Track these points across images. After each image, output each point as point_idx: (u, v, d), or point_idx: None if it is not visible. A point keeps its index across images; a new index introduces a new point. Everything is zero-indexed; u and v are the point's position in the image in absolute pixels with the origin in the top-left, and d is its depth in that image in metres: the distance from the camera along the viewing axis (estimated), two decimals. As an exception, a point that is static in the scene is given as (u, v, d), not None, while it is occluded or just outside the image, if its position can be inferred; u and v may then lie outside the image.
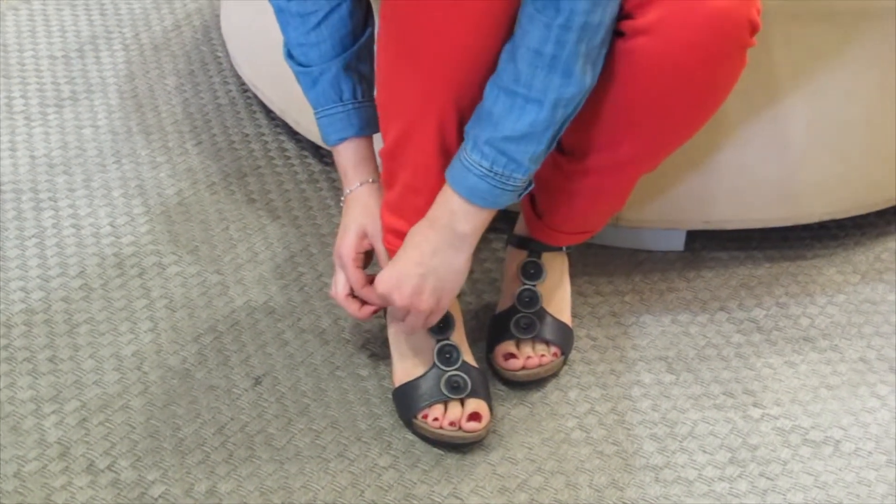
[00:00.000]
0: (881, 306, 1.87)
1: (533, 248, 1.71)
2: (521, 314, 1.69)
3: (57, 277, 1.83)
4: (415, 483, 1.55)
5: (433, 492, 1.54)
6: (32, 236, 1.90)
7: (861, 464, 1.62)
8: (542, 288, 1.71)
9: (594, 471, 1.59)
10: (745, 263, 1.94)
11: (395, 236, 1.57)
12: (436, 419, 1.59)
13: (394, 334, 1.65)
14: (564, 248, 1.73)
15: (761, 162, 1.84)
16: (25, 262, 1.85)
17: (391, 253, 1.59)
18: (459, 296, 1.70)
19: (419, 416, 1.60)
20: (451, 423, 1.58)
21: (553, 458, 1.60)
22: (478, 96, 1.45)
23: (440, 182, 1.49)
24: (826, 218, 1.93)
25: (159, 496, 1.51)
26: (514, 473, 1.58)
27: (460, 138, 1.48)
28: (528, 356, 1.68)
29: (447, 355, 1.62)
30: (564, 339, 1.71)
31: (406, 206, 1.55)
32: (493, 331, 1.72)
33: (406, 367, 1.63)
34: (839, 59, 1.79)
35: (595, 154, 1.55)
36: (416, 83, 1.45)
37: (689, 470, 1.60)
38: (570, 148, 1.56)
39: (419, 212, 1.52)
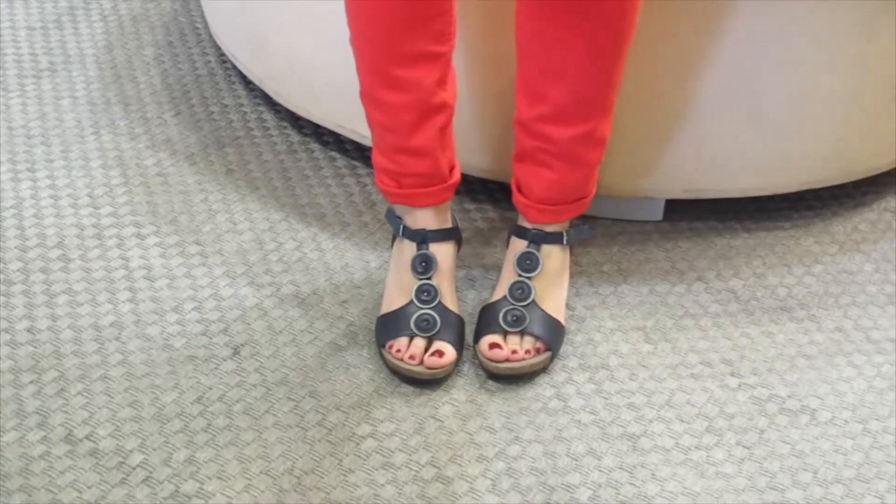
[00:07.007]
0: (858, 276, 1.88)
1: (532, 238, 1.71)
2: (510, 307, 1.68)
3: (35, 248, 1.83)
4: (392, 451, 1.56)
5: (411, 460, 1.55)
6: (10, 207, 1.90)
7: (837, 432, 1.63)
8: (537, 281, 1.70)
9: (571, 439, 1.59)
10: (722, 234, 1.95)
11: (382, 172, 1.70)
12: (398, 351, 1.64)
13: (391, 267, 1.73)
14: (565, 240, 1.72)
15: (740, 132, 1.84)
16: (3, 232, 1.85)
17: (382, 192, 1.72)
18: (460, 244, 1.76)
19: (386, 346, 1.66)
20: (411, 357, 1.63)
21: (531, 427, 1.61)
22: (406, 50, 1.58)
23: (408, 121, 1.62)
24: (804, 188, 1.93)
25: (138, 465, 1.51)
26: (492, 442, 1.58)
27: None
28: (514, 350, 1.66)
29: (424, 294, 1.67)
30: (553, 336, 1.69)
31: (383, 144, 1.67)
32: (481, 321, 1.71)
33: (391, 298, 1.70)
34: (819, 31, 1.79)
35: (543, 104, 1.62)
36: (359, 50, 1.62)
37: (666, 438, 1.60)
38: (520, 105, 1.65)
39: (396, 149, 1.66)
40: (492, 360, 1.65)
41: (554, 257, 1.72)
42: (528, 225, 1.72)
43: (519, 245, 1.72)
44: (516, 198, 1.71)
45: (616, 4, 1.53)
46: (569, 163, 1.65)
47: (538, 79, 1.61)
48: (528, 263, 1.70)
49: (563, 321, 1.71)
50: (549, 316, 1.69)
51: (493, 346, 1.66)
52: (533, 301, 1.68)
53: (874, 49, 1.84)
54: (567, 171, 1.66)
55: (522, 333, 1.67)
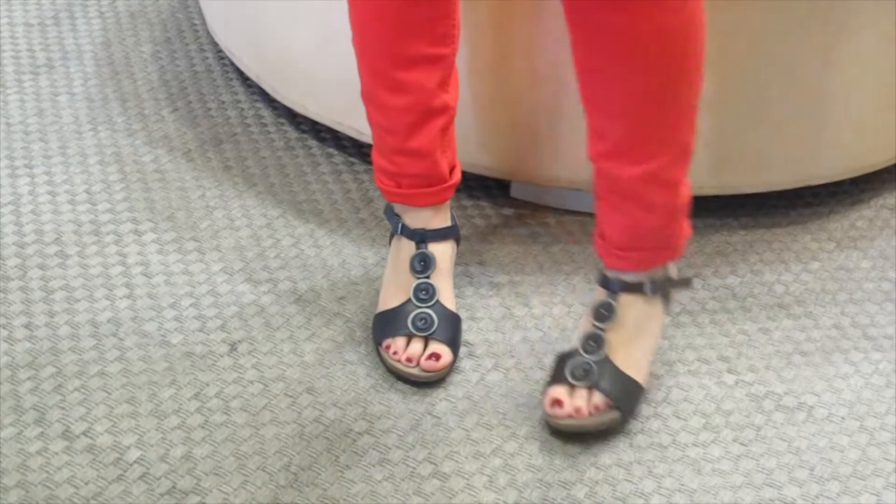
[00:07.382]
0: (855, 273, 1.88)
1: (610, 286, 1.61)
2: (579, 358, 1.58)
3: (32, 244, 1.83)
4: (389, 448, 1.56)
5: (408, 457, 1.55)
6: (8, 203, 1.90)
7: (834, 429, 1.63)
8: (612, 334, 1.59)
9: (569, 436, 1.59)
10: (720, 231, 1.95)
11: (381, 172, 1.69)
12: (395, 352, 1.63)
13: (389, 265, 1.72)
14: (648, 289, 1.61)
15: (738, 129, 1.84)
16: (0, 229, 1.85)
17: (382, 192, 1.70)
18: (458, 242, 1.75)
19: (382, 346, 1.65)
20: (409, 359, 1.63)
21: (527, 424, 1.61)
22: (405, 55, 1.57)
23: (408, 123, 1.61)
24: (801, 185, 1.93)
25: (135, 461, 1.51)
26: (489, 439, 1.58)
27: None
28: (578, 406, 1.56)
29: (423, 293, 1.66)
30: (624, 394, 1.58)
31: (382, 144, 1.66)
32: (553, 369, 1.61)
33: (388, 296, 1.69)
34: (817, 27, 1.79)
35: (602, 140, 1.52)
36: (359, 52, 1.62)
37: (664, 435, 1.61)
38: (588, 140, 1.56)
39: (395, 150, 1.65)
40: (552, 417, 1.58)
41: (635, 308, 1.61)
42: (608, 272, 1.62)
43: (600, 294, 1.62)
44: (596, 241, 1.62)
45: (656, 42, 1.42)
46: (638, 206, 1.55)
47: (590, 110, 1.52)
48: (602, 313, 1.60)
49: (641, 379, 1.60)
50: (621, 372, 1.58)
51: (555, 402, 1.57)
52: (605, 354, 1.59)
53: (872, 46, 1.84)
54: (638, 214, 1.55)
55: (591, 388, 1.57)
